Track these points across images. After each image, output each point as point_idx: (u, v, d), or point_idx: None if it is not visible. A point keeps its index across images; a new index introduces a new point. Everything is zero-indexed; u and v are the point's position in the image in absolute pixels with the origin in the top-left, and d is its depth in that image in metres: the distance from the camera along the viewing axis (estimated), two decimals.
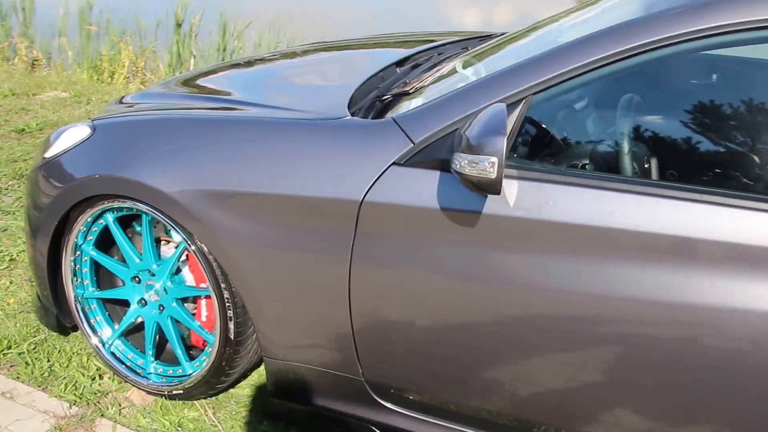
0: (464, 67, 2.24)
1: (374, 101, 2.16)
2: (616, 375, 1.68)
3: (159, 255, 2.29)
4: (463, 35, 3.17)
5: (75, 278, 2.38)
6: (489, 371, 1.83)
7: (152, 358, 2.35)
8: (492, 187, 1.56)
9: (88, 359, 2.50)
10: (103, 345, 2.42)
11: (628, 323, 1.62)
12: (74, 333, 2.61)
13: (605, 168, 1.72)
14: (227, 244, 2.00)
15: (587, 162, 1.74)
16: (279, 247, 1.96)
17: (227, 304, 2.10)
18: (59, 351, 2.53)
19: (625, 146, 1.73)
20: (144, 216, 2.18)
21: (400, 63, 2.63)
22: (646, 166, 1.71)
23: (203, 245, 2.05)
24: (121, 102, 2.70)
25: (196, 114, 2.18)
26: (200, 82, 2.83)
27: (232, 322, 2.12)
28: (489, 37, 3.18)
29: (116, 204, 2.17)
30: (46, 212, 2.31)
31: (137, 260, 2.28)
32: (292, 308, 2.01)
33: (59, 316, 2.52)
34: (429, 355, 1.89)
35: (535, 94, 1.71)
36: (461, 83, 2.17)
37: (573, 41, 1.69)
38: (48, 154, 2.37)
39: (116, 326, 2.43)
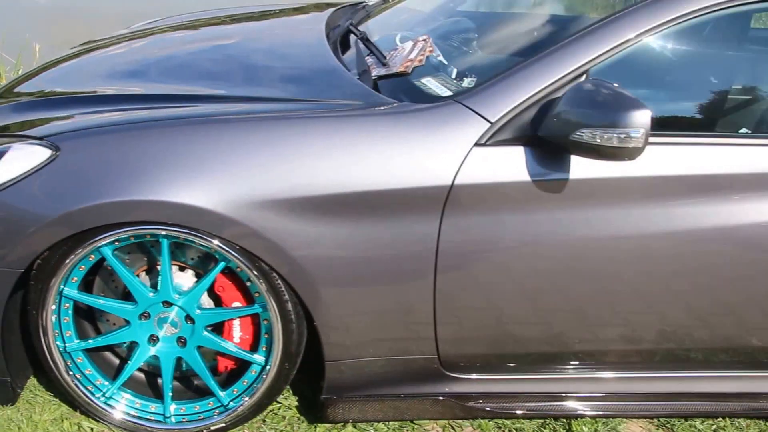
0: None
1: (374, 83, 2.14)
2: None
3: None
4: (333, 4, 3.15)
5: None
6: (575, 319, 2.03)
7: (171, 400, 2.07)
8: (633, 155, 1.73)
9: (69, 422, 2.08)
10: (100, 399, 2.05)
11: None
12: (25, 397, 2.14)
13: (683, 123, 1.99)
14: (295, 252, 1.86)
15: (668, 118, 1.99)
16: (356, 245, 1.89)
17: (290, 317, 1.95)
18: (27, 422, 2.05)
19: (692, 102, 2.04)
20: (164, 241, 1.89)
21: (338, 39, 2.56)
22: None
23: (265, 259, 1.87)
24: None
25: (210, 116, 1.92)
26: (103, 78, 2.41)
27: (295, 334, 1.98)
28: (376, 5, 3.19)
29: (126, 233, 1.85)
30: (5, 255, 1.87)
31: (150, 294, 1.96)
32: (368, 305, 1.96)
33: (12, 384, 2.06)
34: (513, 318, 2.01)
35: (595, 65, 1.90)
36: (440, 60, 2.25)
37: (624, 13, 1.91)
38: None
39: (109, 375, 2.08)
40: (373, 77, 2.18)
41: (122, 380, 2.05)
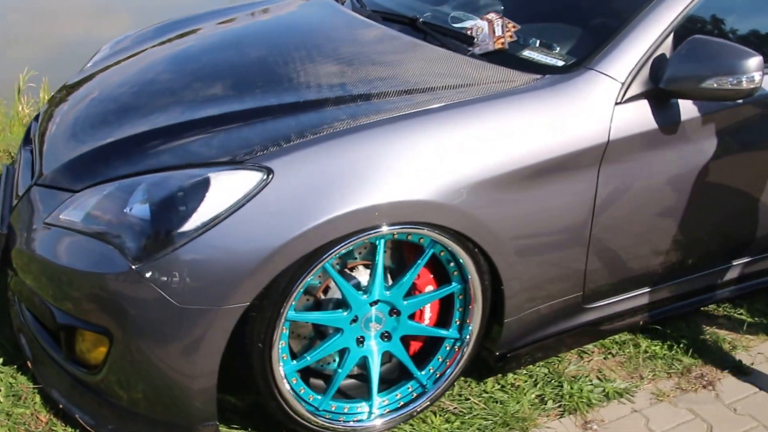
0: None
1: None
2: None
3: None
4: None
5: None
6: (691, 229, 2.43)
7: (378, 393, 2.11)
8: (753, 93, 2.13)
9: None
10: (315, 414, 2.02)
11: None
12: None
13: None
14: (495, 226, 2.02)
15: None
16: (537, 207, 2.10)
17: (487, 287, 2.09)
18: None
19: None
20: (381, 242, 1.92)
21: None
22: None
23: (473, 238, 1.99)
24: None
25: (400, 112, 1.97)
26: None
27: (488, 303, 2.13)
28: None
29: (351, 244, 1.86)
30: (228, 292, 1.78)
31: (364, 297, 1.97)
32: (540, 260, 2.17)
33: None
34: (647, 242, 2.36)
35: (684, 16, 2.25)
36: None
37: None
38: (191, 224, 1.77)
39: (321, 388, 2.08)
40: (479, 55, 2.34)
41: (334, 390, 2.05)
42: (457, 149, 1.96)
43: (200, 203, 1.78)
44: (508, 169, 2.01)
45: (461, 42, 2.43)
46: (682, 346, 2.52)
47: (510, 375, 2.37)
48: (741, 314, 2.74)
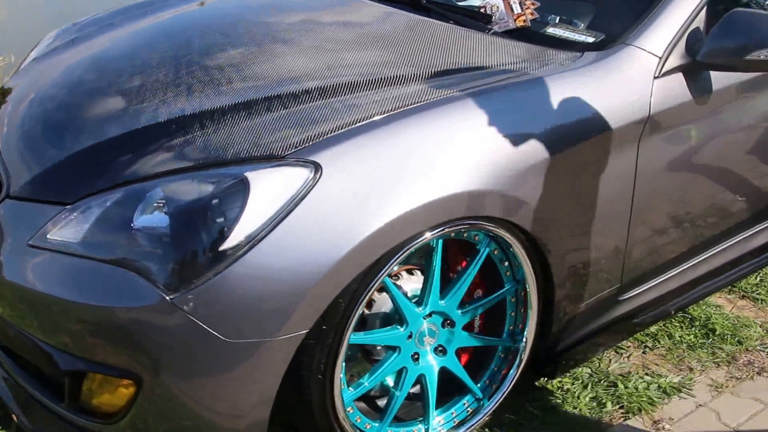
0: None
1: None
2: None
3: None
4: None
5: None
6: (726, 198, 2.35)
7: (435, 411, 1.89)
8: None
9: None
10: None
11: None
12: None
13: None
14: (548, 217, 1.84)
15: None
16: (583, 191, 1.93)
17: (540, 286, 1.91)
18: None
19: None
20: (439, 242, 1.70)
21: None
22: None
23: (529, 230, 1.79)
24: None
25: (454, 100, 1.74)
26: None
27: (542, 303, 1.94)
28: None
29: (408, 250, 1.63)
30: (284, 319, 1.50)
31: (419, 309, 1.74)
32: (585, 251, 2.00)
33: None
34: (683, 217, 2.23)
35: None
36: None
37: None
38: (233, 240, 1.46)
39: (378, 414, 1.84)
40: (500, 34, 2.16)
41: (392, 415, 1.81)
42: (512, 133, 1.75)
43: (241, 212, 1.47)
44: (557, 151, 1.83)
45: (477, 20, 2.24)
46: (716, 333, 2.42)
47: (555, 379, 2.20)
48: (759, 294, 2.68)
